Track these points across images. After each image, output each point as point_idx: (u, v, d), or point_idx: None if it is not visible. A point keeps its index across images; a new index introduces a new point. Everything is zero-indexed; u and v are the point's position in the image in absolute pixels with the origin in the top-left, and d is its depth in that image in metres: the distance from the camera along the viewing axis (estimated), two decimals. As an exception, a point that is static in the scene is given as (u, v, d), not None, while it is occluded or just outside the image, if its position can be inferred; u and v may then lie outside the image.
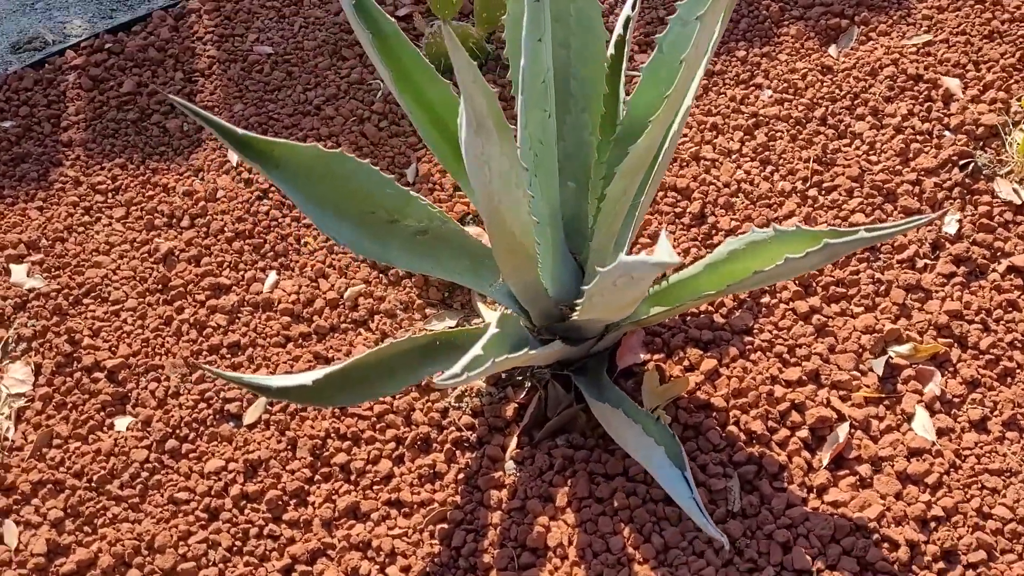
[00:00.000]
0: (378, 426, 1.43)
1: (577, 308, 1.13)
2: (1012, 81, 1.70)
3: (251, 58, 1.97)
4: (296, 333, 1.54)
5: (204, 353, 1.55)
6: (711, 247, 1.57)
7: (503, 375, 1.46)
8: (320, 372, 1.16)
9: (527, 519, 1.31)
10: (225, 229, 1.69)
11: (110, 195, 1.79)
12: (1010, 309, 1.42)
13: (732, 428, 1.36)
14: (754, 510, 1.27)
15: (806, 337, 1.44)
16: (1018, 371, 1.36)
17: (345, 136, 1.81)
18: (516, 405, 1.43)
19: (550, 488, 1.34)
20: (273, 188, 1.74)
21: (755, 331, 1.46)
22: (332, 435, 1.43)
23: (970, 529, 1.22)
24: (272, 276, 1.63)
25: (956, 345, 1.40)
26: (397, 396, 1.47)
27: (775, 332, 1.45)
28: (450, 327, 1.55)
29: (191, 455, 1.44)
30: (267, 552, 1.33)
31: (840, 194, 1.59)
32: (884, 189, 1.58)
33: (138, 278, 1.65)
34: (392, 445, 1.41)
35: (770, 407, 1.36)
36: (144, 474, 1.41)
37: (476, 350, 1.05)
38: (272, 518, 1.36)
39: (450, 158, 1.33)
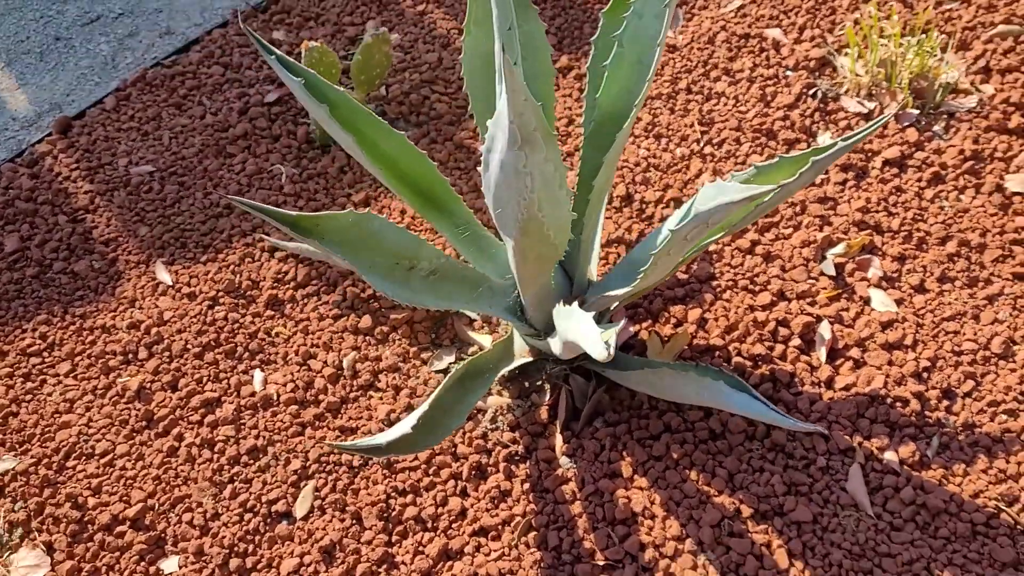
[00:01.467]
0: (431, 471, 1.47)
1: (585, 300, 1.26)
2: (818, 19, 2.02)
3: (133, 181, 1.92)
4: (310, 417, 1.54)
5: (226, 467, 1.51)
6: (648, 220, 1.74)
7: (525, 384, 1.55)
8: (413, 418, 1.20)
9: (605, 498, 1.41)
10: (189, 347, 1.65)
11: (46, 354, 1.68)
12: (897, 192, 1.71)
13: (737, 359, 1.53)
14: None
15: (759, 266, 1.64)
16: (927, 237, 1.63)
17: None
18: (546, 408, 1.53)
19: (610, 465, 1.44)
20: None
21: (717, 275, 1.64)
22: (393, 494, 1.45)
23: (953, 367, 1.47)
24: (258, 374, 1.61)
25: (875, 233, 1.65)
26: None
27: (733, 270, 1.64)
28: (451, 362, 1.61)
29: (261, 566, 1.40)
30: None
31: (730, 144, 1.83)
32: (763, 130, 1.83)
33: (118, 423, 1.58)
34: (452, 483, 1.46)
35: (760, 331, 1.55)
36: (222, 601, 1.37)
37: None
38: (370, 591, 1.36)
39: (417, 201, 1.41)
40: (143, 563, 1.43)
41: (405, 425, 1.19)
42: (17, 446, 1.57)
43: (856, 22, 1.99)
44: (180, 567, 1.42)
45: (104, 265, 1.81)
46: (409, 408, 1.53)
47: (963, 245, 1.60)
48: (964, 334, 1.50)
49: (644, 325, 1.62)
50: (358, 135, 1.37)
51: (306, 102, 1.32)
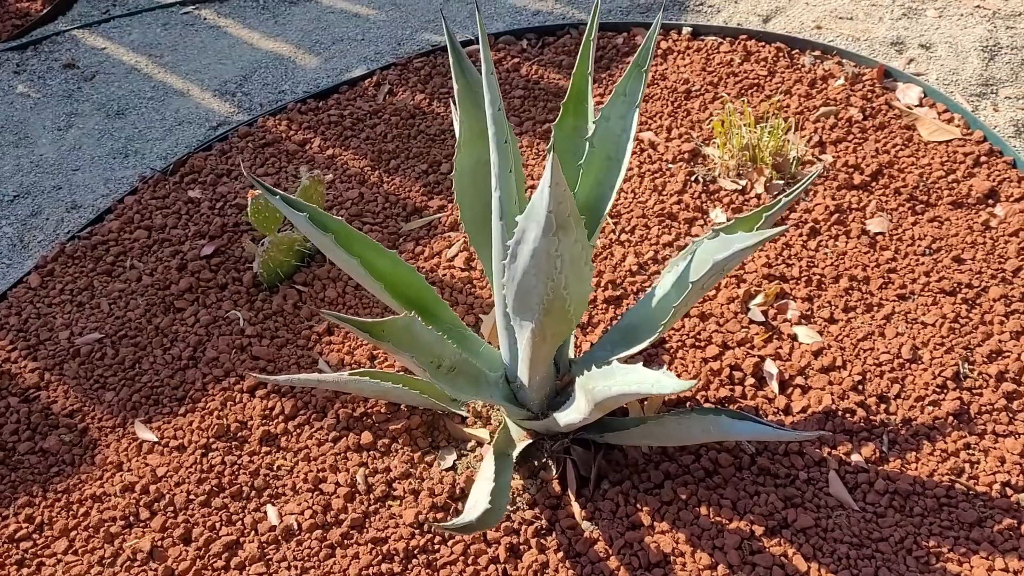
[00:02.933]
0: (470, 560, 1.55)
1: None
2: (679, 120, 2.38)
3: (83, 350, 1.90)
4: (337, 537, 1.58)
5: (267, 605, 1.51)
6: (593, 303, 1.96)
7: (534, 463, 1.67)
8: (484, 498, 1.31)
9: (636, 547, 1.55)
10: (192, 497, 1.65)
11: (36, 536, 1.61)
12: (787, 247, 2.03)
13: (708, 404, 1.74)
14: (763, 445, 1.67)
15: (699, 325, 1.89)
16: (823, 278, 1.96)
17: (243, 365, 1.85)
18: (556, 480, 1.66)
19: (629, 519, 1.59)
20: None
21: (666, 339, 1.87)
22: (441, 589, 1.51)
23: (879, 376, 1.76)
24: (271, 509, 1.63)
25: (782, 281, 1.96)
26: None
27: (678, 333, 1.88)
28: (455, 459, 1.71)
29: None
30: None
31: (641, 229, 2.10)
32: (664, 213, 2.12)
33: (137, 587, 1.54)
34: (492, 567, 1.54)
35: (719, 377, 1.78)
36: None
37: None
38: None
39: (409, 308, 1.56)
40: None
41: (482, 503, 1.29)
42: (30, 635, 1.49)
43: (712, 116, 2.36)
44: None
45: (75, 436, 1.76)
46: (435, 507, 1.61)
47: (852, 280, 1.94)
48: (878, 349, 1.81)
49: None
50: (360, 258, 1.50)
51: (310, 232, 1.45)
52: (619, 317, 1.93)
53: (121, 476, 1.69)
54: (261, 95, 2.58)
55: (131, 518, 1.63)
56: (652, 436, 1.60)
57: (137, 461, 1.71)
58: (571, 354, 1.72)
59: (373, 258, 1.54)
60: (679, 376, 1.81)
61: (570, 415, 1.51)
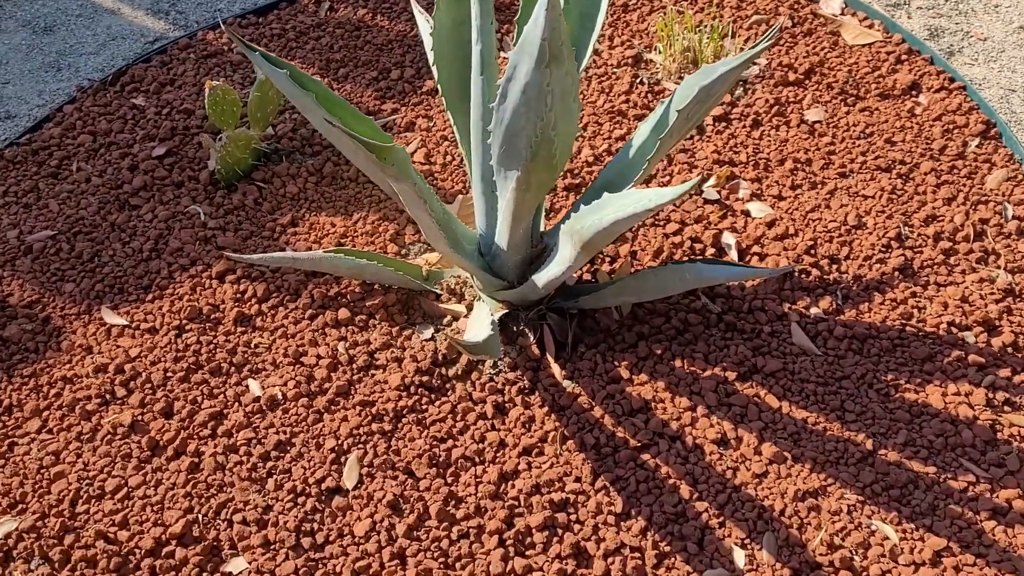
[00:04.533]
0: (459, 418, 1.58)
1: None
2: (619, 30, 2.45)
3: (35, 247, 1.83)
4: (324, 404, 1.58)
5: (259, 464, 1.50)
6: (553, 192, 2.00)
7: (513, 329, 1.71)
8: (486, 329, 1.34)
9: (617, 398, 1.61)
10: (169, 375, 1.62)
11: (6, 418, 1.55)
12: (733, 137, 2.13)
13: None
14: (728, 305, 1.76)
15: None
16: (769, 162, 2.06)
17: (209, 255, 1.82)
18: (534, 346, 1.70)
19: (608, 375, 1.65)
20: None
21: (628, 219, 1.93)
22: (434, 444, 1.53)
23: (828, 241, 1.87)
24: (253, 383, 1.62)
25: (731, 165, 2.05)
26: (449, 393, 1.62)
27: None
28: (433, 332, 1.73)
29: (333, 537, 1.42)
30: (471, 553, 1.41)
31: (593, 125, 2.16)
32: (614, 111, 2.19)
33: (120, 459, 1.50)
34: (481, 423, 1.58)
35: (680, 249, 1.85)
36: (312, 571, 1.37)
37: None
38: (446, 536, 1.43)
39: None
40: (205, 573, 1.38)
41: (484, 330, 1.33)
42: (11, 508, 1.43)
43: (650, 28, 2.45)
44: (249, 563, 1.39)
45: (37, 325, 1.70)
46: (420, 371, 1.63)
47: (796, 162, 2.05)
48: (825, 219, 1.92)
49: (585, 269, 1.86)
50: (342, 120, 1.51)
51: (291, 92, 1.44)
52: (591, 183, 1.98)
53: (92, 359, 1.64)
54: (196, 13, 2.52)
55: (107, 396, 1.59)
56: (627, 292, 1.66)
57: (107, 344, 1.67)
58: (542, 227, 1.77)
59: (352, 122, 1.55)
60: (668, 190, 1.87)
61: (551, 270, 1.56)
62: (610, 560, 1.40)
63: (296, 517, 1.44)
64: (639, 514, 1.45)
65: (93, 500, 1.46)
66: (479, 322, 1.41)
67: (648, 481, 1.50)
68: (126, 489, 1.47)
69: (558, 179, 1.95)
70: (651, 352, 1.68)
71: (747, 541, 1.42)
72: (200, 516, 1.44)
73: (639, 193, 1.28)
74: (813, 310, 1.74)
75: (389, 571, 1.37)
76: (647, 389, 1.62)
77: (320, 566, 1.39)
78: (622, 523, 1.45)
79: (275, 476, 1.49)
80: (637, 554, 1.41)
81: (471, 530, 1.43)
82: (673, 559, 1.41)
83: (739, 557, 1.41)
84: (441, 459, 1.52)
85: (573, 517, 1.46)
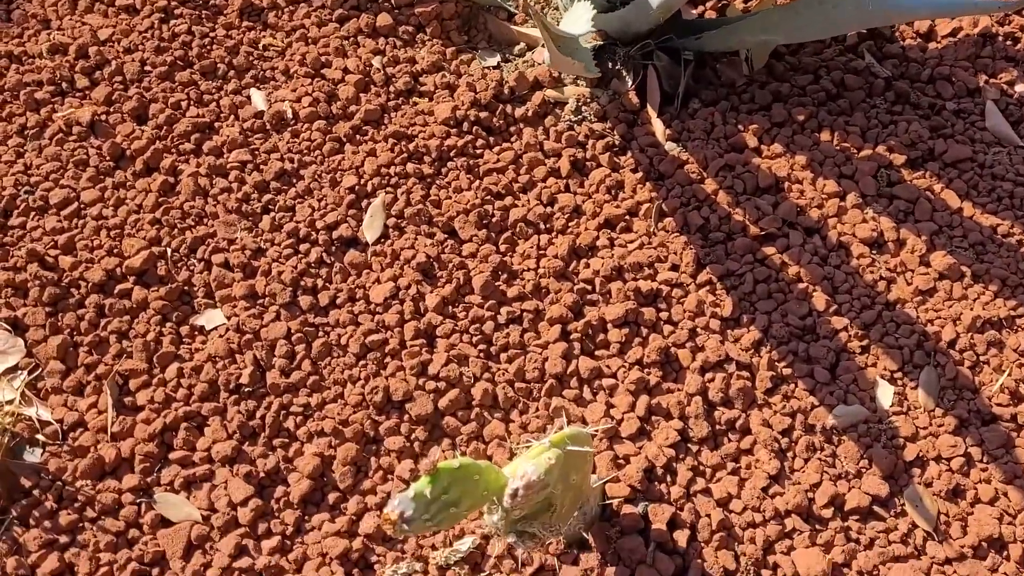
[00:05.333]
0: (522, 170, 1.18)
1: None
2: None
3: None
4: (347, 130, 1.19)
5: (254, 196, 1.13)
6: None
7: (606, 71, 1.27)
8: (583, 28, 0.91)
9: (739, 171, 1.19)
10: (148, 68, 1.22)
11: (-70, 97, 1.18)
12: None
13: (827, 21, 1.34)
14: (901, 70, 1.29)
15: None
16: None
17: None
18: (632, 93, 1.27)
19: (729, 140, 1.22)
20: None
21: None
22: (487, 199, 1.14)
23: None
24: (256, 93, 1.22)
25: None
26: (512, 138, 1.22)
27: None
28: (499, 61, 1.30)
29: (342, 300, 1.06)
30: (522, 343, 1.05)
31: None
32: None
33: (73, 166, 1.13)
34: (553, 181, 1.18)
35: None
36: (310, 338, 1.02)
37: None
38: (492, 317, 1.06)
39: None
40: (169, 323, 1.04)
41: (582, 25, 0.90)
42: (-74, 211, 1.09)
43: None
44: (227, 317, 1.04)
45: (-17, -11, 1.30)
46: (478, 104, 1.21)
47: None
48: None
49: (709, 5, 1.39)
50: None
51: None
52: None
53: (50, 36, 1.24)
54: None
55: (63, 84, 1.20)
56: (772, 27, 1.19)
57: (71, 20, 1.26)
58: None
59: None
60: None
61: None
62: (708, 377, 1.03)
63: (295, 268, 1.07)
64: (753, 322, 1.07)
65: (33, 213, 1.10)
66: (576, 17, 0.97)
67: (769, 281, 1.10)
68: (76, 204, 1.11)
69: None
70: (790, 118, 1.24)
71: (898, 376, 1.04)
72: (170, 251, 1.08)
73: None
74: (1020, 87, 1.27)
75: (411, 352, 1.02)
76: (780, 164, 1.19)
77: (320, 333, 1.04)
78: (729, 331, 1.07)
79: (273, 214, 1.12)
80: (746, 373, 1.04)
81: (525, 314, 1.06)
82: (793, 385, 1.03)
83: (884, 394, 1.03)
84: (494, 220, 1.13)
85: (664, 315, 1.08)
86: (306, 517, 0.94)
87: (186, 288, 1.06)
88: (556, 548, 0.92)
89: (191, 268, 1.07)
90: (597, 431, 0.98)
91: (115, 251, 1.07)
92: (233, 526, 0.92)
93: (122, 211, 1.11)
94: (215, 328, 1.04)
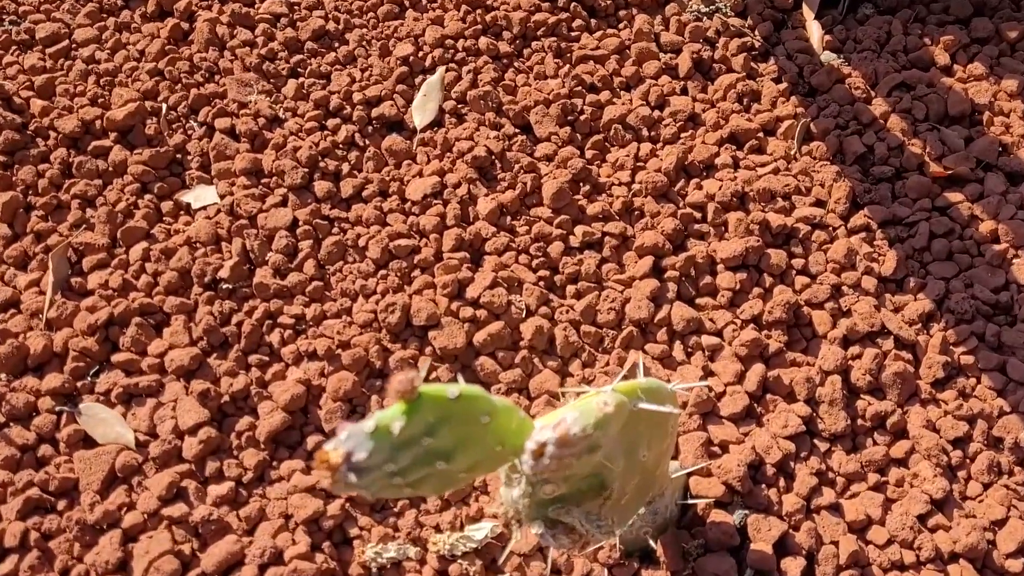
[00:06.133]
0: (628, 62, 0.90)
1: None
2: None
3: None
4: (411, -7, 0.94)
5: (280, 54, 0.89)
6: None
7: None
8: None
9: (920, 91, 0.88)
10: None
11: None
12: None
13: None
14: None
15: None
16: None
17: None
18: (785, -14, 0.98)
19: (910, 55, 0.92)
20: None
21: None
22: (577, 90, 0.87)
23: None
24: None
25: None
26: (621, 24, 0.94)
27: None
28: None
29: (370, 193, 0.81)
30: (598, 276, 0.78)
31: None
32: None
33: None
34: (666, 80, 0.90)
35: None
36: (320, 233, 0.78)
37: None
38: (561, 237, 0.79)
39: None
40: (148, 195, 0.81)
41: None
42: None
43: None
44: (221, 195, 0.80)
45: None
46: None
47: None
48: None
49: None
50: None
51: None
52: None
53: None
54: None
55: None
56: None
57: None
58: None
59: None
60: None
61: None
62: (853, 351, 0.73)
63: (316, 146, 0.83)
64: (923, 289, 0.77)
65: (13, 48, 0.89)
66: None
67: (952, 237, 0.80)
68: (67, 43, 0.89)
69: None
70: (997, 34, 0.93)
71: None
72: (165, 108, 0.85)
73: None
74: None
75: (447, 266, 0.76)
76: (980, 89, 0.88)
77: (334, 229, 0.79)
78: (888, 296, 0.77)
79: (302, 79, 0.88)
80: (907, 354, 0.73)
81: (608, 239, 0.79)
82: (975, 380, 0.73)
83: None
84: (582, 117, 0.86)
85: (798, 262, 0.78)
86: (273, 463, 0.69)
87: (178, 155, 0.83)
88: (609, 556, 0.64)
89: (188, 132, 0.84)
90: (689, 390, 0.70)
91: (100, 101, 0.85)
92: (174, 460, 0.68)
93: (119, 56, 0.88)
94: (203, 208, 0.80)
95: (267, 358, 0.73)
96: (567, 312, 0.75)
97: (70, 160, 0.82)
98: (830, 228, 0.81)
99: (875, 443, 0.71)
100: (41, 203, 0.79)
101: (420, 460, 0.43)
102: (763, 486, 0.68)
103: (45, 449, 0.68)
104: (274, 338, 0.74)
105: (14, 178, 0.81)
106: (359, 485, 0.41)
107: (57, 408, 0.69)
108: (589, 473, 0.49)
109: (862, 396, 0.72)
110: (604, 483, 0.51)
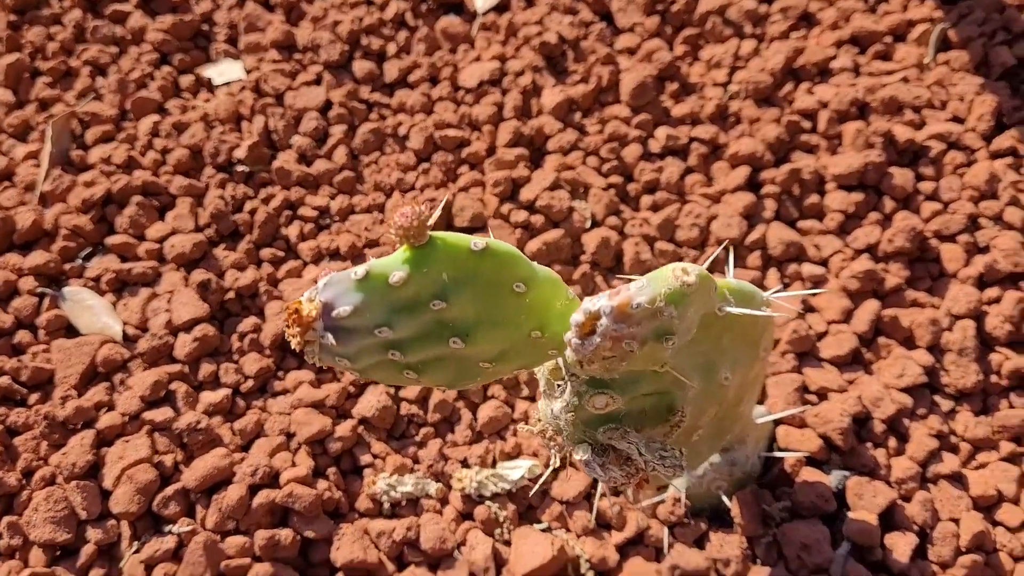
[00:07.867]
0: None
1: None
2: None
3: None
4: None
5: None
6: None
7: None
8: None
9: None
10: None
11: None
12: None
13: None
14: None
15: None
16: None
17: None
18: None
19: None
20: None
21: None
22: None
23: None
24: None
25: None
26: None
27: None
28: None
29: (416, 79, 0.70)
30: (679, 188, 0.65)
31: None
32: None
33: None
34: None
35: None
36: (356, 118, 0.67)
37: None
38: (639, 140, 0.67)
39: None
40: (168, 66, 0.71)
41: None
42: None
43: None
44: (248, 71, 0.70)
45: None
46: None
47: None
48: None
49: None
50: None
51: None
52: None
53: None
54: None
55: None
56: None
57: None
58: None
59: None
60: None
61: None
62: (989, 294, 0.60)
63: (359, 21, 0.72)
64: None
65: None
66: None
67: (1122, 169, 0.64)
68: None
69: None
70: None
71: None
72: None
73: None
74: None
75: (500, 162, 0.64)
76: None
77: (373, 115, 0.68)
78: (1037, 232, 0.62)
79: (351, -53, 0.77)
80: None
81: (695, 145, 0.66)
82: None
83: None
84: (674, 8, 0.73)
85: (928, 186, 0.64)
86: (278, 372, 0.59)
87: (204, 26, 0.73)
88: (671, 511, 0.52)
89: (217, 0, 0.74)
90: (787, 305, 0.57)
91: (125, -37, 0.76)
92: (164, 359, 0.58)
93: (152, -83, 0.79)
94: (227, 84, 0.70)
95: (282, 253, 0.63)
96: (640, 225, 0.63)
97: (85, 24, 0.72)
98: (969, 149, 0.66)
99: (1011, 406, 0.57)
100: (49, 68, 0.70)
101: (428, 333, 0.31)
102: (869, 445, 0.55)
103: (22, 335, 0.59)
104: (292, 231, 0.63)
105: (22, 39, 0.72)
106: (340, 352, 0.30)
107: (39, 290, 0.60)
108: (655, 388, 0.37)
109: (998, 348, 0.58)
110: (673, 405, 0.39)
